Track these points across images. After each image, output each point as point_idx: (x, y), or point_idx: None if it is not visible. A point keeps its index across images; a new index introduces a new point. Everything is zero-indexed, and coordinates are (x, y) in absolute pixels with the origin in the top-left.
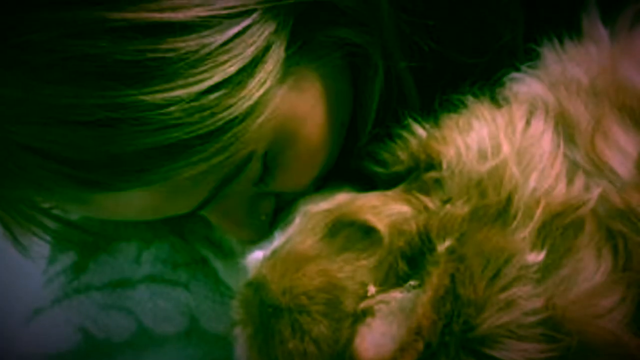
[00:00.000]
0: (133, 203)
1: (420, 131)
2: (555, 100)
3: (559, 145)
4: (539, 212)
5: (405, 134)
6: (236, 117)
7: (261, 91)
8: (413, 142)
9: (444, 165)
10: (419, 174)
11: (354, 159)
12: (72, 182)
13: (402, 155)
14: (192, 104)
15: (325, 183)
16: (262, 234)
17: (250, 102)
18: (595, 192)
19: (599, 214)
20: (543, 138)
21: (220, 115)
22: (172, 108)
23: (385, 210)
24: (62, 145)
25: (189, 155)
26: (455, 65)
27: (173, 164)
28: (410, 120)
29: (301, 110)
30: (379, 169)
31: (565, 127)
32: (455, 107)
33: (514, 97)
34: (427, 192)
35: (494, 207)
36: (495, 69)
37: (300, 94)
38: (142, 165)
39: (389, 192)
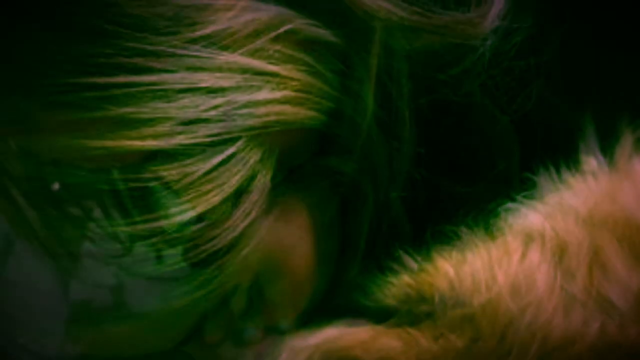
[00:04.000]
0: (111, 337)
1: (411, 264)
2: (552, 231)
3: (555, 278)
4: (535, 347)
5: (396, 266)
6: (220, 250)
7: (246, 222)
8: (404, 275)
9: (437, 299)
10: (411, 308)
11: (343, 293)
12: None
13: (393, 288)
14: (175, 235)
15: (312, 317)
16: None
17: (235, 233)
18: (594, 326)
19: (598, 348)
20: (539, 270)
21: (204, 248)
22: (153, 240)
23: (375, 345)
24: None
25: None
26: (448, 194)
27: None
28: (401, 253)
29: (288, 242)
30: (369, 303)
31: (562, 259)
32: (448, 238)
33: (509, 228)
34: (418, 327)
35: (489, 342)
36: (489, 199)
37: (287, 225)
38: None
39: (379, 327)
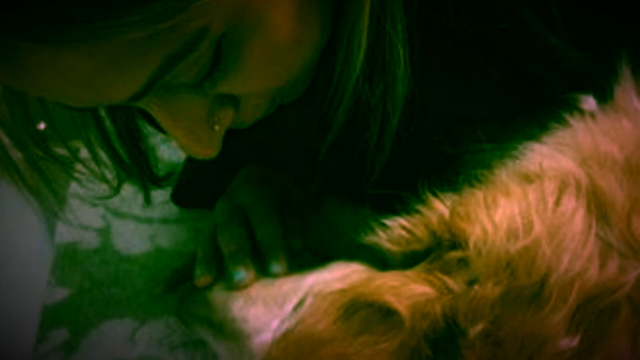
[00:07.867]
0: (64, 67)
1: (441, 207)
2: (587, 177)
3: (590, 225)
4: (573, 295)
5: (423, 209)
6: None
7: None
8: (433, 219)
9: (470, 245)
10: (441, 254)
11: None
12: None
13: (421, 232)
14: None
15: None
16: (214, 148)
17: None
18: (632, 275)
19: (635, 299)
20: (575, 217)
21: None
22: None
23: (406, 291)
24: None
25: (129, 10)
26: (468, 137)
27: (109, 20)
28: (429, 195)
29: None
30: (393, 247)
31: (598, 206)
32: (478, 181)
33: (543, 172)
34: (449, 273)
35: (527, 289)
36: (516, 141)
37: None
38: (75, 15)
39: (408, 272)
